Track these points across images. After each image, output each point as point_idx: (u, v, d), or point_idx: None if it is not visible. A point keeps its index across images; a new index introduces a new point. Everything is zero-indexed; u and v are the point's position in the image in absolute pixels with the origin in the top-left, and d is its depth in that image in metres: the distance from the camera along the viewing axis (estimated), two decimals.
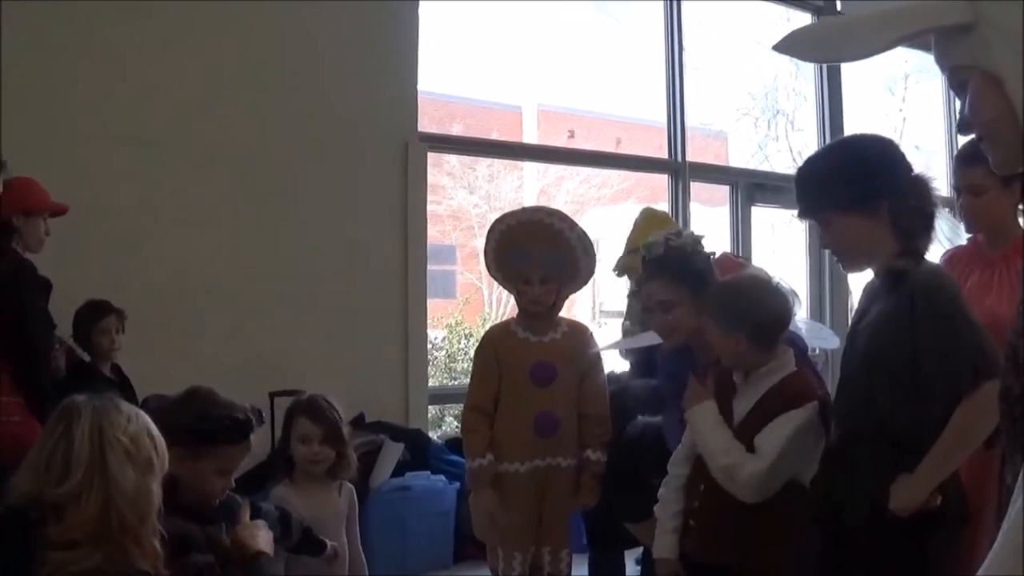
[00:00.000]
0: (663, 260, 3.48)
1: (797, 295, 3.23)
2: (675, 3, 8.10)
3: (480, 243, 4.04)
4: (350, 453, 3.80)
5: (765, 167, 11.26)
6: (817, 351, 5.11)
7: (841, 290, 8.01)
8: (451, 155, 13.06)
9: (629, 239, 5.12)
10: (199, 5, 5.78)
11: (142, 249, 5.55)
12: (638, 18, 9.75)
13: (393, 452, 5.84)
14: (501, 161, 16.13)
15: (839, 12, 1.49)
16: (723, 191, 8.66)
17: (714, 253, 3.66)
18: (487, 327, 7.10)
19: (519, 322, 3.96)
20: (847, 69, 9.03)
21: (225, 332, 5.72)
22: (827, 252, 3.19)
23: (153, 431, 2.33)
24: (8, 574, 2.19)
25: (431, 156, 6.85)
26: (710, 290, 3.26)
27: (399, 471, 5.82)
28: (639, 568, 4.63)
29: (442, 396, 8.06)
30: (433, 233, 7.45)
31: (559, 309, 3.97)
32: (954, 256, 3.66)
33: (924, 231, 2.83)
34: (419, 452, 6.05)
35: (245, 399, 3.15)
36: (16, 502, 2.22)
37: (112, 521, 2.17)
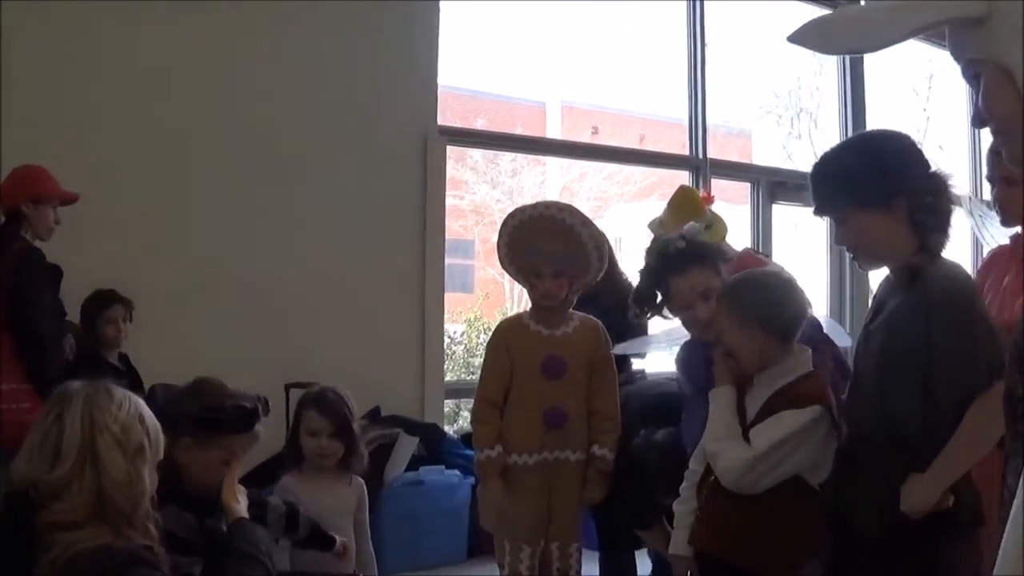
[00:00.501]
0: (693, 250, 3.54)
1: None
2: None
3: None
4: (360, 447, 3.80)
5: (788, 166, 11.18)
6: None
7: (861, 289, 7.96)
8: (474, 150, 13.05)
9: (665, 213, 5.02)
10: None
11: (159, 239, 5.56)
12: (663, 15, 9.71)
13: (408, 446, 5.84)
14: (524, 156, 16.14)
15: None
16: (745, 189, 8.63)
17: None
18: None
19: (531, 315, 3.97)
20: (870, 68, 8.99)
21: (241, 324, 5.72)
22: (844, 250, 3.16)
23: (146, 417, 2.33)
24: (13, 557, 2.19)
25: (454, 151, 6.85)
26: (727, 284, 3.26)
27: (413, 465, 5.82)
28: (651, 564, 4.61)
29: (459, 390, 8.04)
30: (456, 228, 7.48)
31: (571, 303, 3.98)
32: (996, 254, 3.65)
33: (940, 229, 2.80)
34: (434, 447, 6.05)
35: (260, 391, 3.16)
36: (15, 487, 2.24)
37: (107, 508, 2.19)
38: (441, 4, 6.68)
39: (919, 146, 2.91)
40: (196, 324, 5.56)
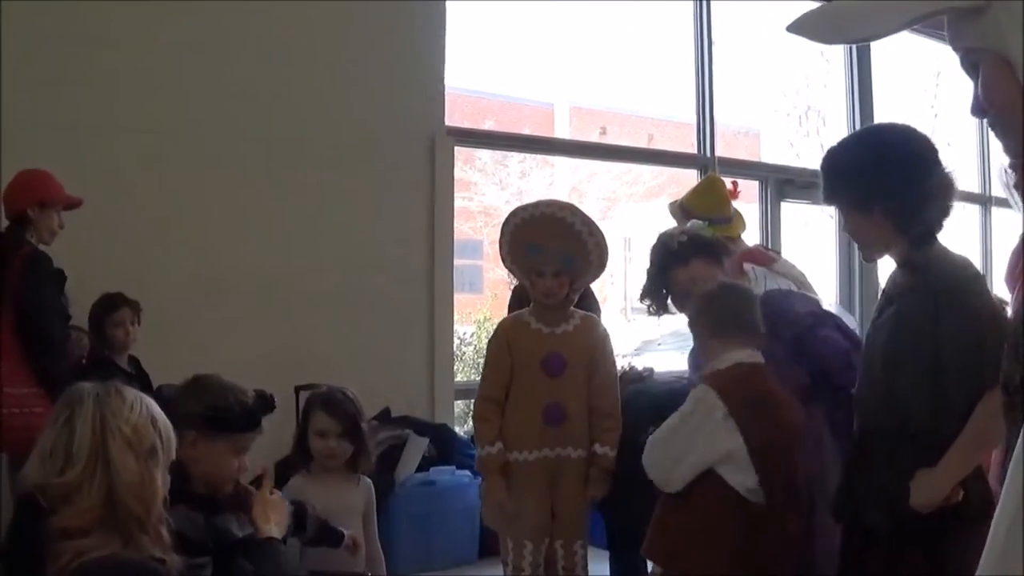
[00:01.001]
0: (696, 243, 3.65)
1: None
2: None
3: None
4: (368, 447, 3.81)
5: (796, 164, 11.18)
6: None
7: (870, 284, 7.95)
8: (483, 152, 13.05)
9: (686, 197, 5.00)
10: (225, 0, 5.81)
11: (167, 243, 5.58)
12: (670, 14, 9.71)
13: (418, 447, 5.84)
14: (533, 158, 16.15)
15: None
16: (753, 187, 8.62)
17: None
18: None
19: (532, 313, 3.98)
20: (878, 66, 8.98)
21: (250, 326, 5.73)
22: (852, 247, 3.26)
23: (158, 418, 2.30)
24: (24, 565, 2.19)
25: (463, 152, 6.85)
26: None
27: (424, 466, 5.82)
28: None
29: (469, 391, 8.01)
30: (465, 229, 7.49)
31: (572, 301, 4.00)
32: None
33: (924, 233, 2.82)
34: (444, 447, 6.06)
35: (270, 393, 3.15)
36: (26, 493, 2.22)
37: (118, 510, 2.16)
38: (448, 5, 6.68)
39: (913, 148, 2.90)
40: (205, 326, 5.57)
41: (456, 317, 6.89)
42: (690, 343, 3.73)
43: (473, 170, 16.11)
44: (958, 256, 2.87)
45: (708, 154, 7.97)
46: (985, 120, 1.46)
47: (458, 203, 6.80)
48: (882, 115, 8.85)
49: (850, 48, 8.81)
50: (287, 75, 6.02)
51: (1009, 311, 3.07)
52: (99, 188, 5.24)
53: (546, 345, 3.89)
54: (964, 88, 1.46)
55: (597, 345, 3.98)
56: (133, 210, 5.47)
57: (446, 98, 6.72)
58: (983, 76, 1.39)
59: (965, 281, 2.77)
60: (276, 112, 5.96)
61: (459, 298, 6.89)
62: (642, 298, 3.80)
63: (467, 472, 5.88)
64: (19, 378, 4.36)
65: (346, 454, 3.71)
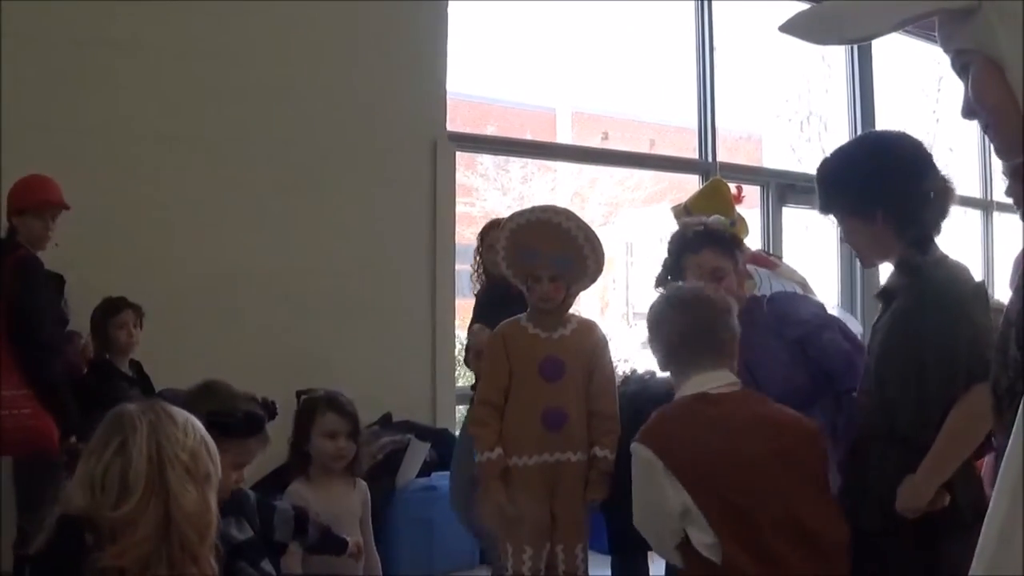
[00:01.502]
0: (711, 232, 3.61)
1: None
2: (705, 3, 8.09)
3: None
4: (364, 450, 3.83)
5: (797, 168, 11.18)
6: None
7: (872, 288, 7.92)
8: (484, 157, 13.05)
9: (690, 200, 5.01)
10: (228, 2, 5.82)
11: (169, 247, 5.58)
12: (671, 20, 9.72)
13: (420, 452, 5.84)
14: (535, 163, 16.13)
15: None
16: (755, 192, 8.62)
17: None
18: None
19: (530, 318, 3.99)
20: (879, 70, 8.99)
21: (252, 330, 5.73)
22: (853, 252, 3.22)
23: (207, 440, 2.24)
24: None
25: (464, 157, 6.85)
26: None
27: (425, 471, 5.82)
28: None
29: (470, 396, 8.03)
30: (466, 234, 7.45)
31: (569, 306, 4.01)
32: None
33: (922, 238, 2.86)
34: (446, 452, 6.04)
35: (271, 397, 3.16)
36: (69, 521, 2.11)
37: (173, 542, 2.08)
38: (450, 10, 6.69)
39: (910, 153, 2.93)
40: (207, 331, 5.57)
41: (458, 322, 6.89)
42: None
43: (475, 175, 16.11)
44: (953, 261, 2.90)
45: (710, 159, 7.98)
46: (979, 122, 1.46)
47: (460, 208, 6.80)
48: (884, 120, 8.85)
49: (851, 53, 8.82)
50: (289, 80, 6.03)
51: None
52: (101, 193, 5.26)
53: (543, 349, 3.90)
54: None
55: (595, 349, 3.99)
56: (135, 215, 5.47)
57: (448, 103, 6.72)
58: (973, 78, 1.38)
59: (952, 286, 2.80)
60: (278, 117, 5.97)
61: (460, 303, 6.87)
62: (656, 286, 3.80)
63: None
64: (9, 380, 4.37)
65: (352, 455, 3.72)
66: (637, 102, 17.44)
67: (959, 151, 10.11)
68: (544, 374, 3.86)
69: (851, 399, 3.14)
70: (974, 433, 2.62)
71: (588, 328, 4.05)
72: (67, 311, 4.78)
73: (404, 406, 6.08)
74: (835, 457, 3.37)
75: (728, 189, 4.92)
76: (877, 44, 8.28)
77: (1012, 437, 1.25)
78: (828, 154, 3.08)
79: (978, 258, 9.74)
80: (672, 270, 3.70)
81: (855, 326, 4.19)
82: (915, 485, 2.65)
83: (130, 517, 2.05)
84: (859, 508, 2.78)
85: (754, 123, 14.83)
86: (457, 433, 5.60)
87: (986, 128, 1.42)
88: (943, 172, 2.92)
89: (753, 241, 7.67)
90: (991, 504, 1.26)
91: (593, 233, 3.92)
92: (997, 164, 3.57)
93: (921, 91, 10.73)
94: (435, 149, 6.52)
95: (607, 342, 4.08)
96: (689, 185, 7.88)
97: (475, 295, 5.13)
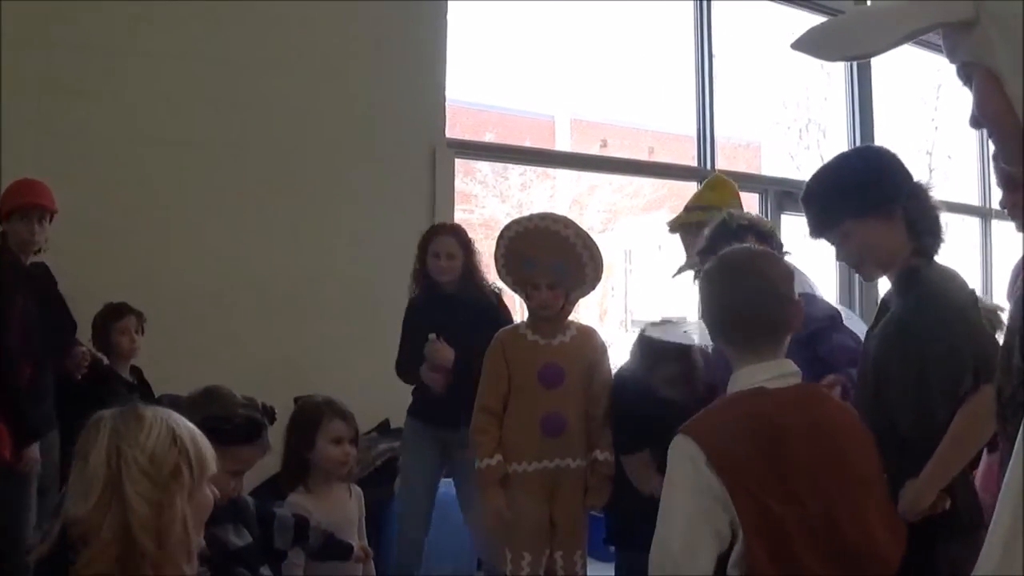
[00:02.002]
0: (754, 225, 3.54)
1: None
2: (704, 11, 8.10)
3: None
4: (360, 455, 3.84)
5: (796, 176, 11.22)
6: None
7: (870, 298, 7.95)
8: (483, 164, 13.07)
9: (690, 199, 4.96)
10: (229, 7, 5.82)
11: (168, 252, 5.58)
12: (670, 27, 9.74)
13: None
14: (534, 170, 16.17)
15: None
16: (753, 199, 8.63)
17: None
18: None
19: (529, 325, 4.01)
20: (878, 78, 9.00)
21: (251, 336, 5.73)
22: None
23: (183, 435, 2.14)
24: None
25: (464, 165, 6.85)
26: None
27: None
28: None
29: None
30: None
31: (568, 313, 4.03)
32: None
33: (933, 232, 2.89)
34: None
35: (269, 403, 3.16)
36: (63, 529, 2.08)
37: (134, 549, 2.01)
38: (449, 18, 6.70)
39: (900, 158, 2.98)
40: (207, 337, 5.57)
41: None
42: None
43: (474, 182, 16.14)
44: (947, 267, 2.93)
45: (708, 166, 7.98)
46: (985, 131, 1.48)
47: (458, 215, 6.81)
48: (882, 127, 8.86)
49: (850, 61, 8.83)
50: (289, 87, 6.03)
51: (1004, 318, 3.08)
52: (100, 198, 5.27)
53: (542, 356, 3.92)
54: (964, 101, 1.47)
55: (595, 355, 4.00)
56: (134, 220, 5.47)
57: (447, 110, 6.73)
58: (975, 89, 1.39)
59: (949, 290, 2.82)
60: (277, 124, 5.97)
61: None
62: (677, 274, 3.76)
63: None
64: None
65: (355, 460, 3.73)
66: (636, 109, 17.49)
67: (958, 159, 10.14)
68: (543, 381, 3.88)
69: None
70: (978, 435, 2.62)
71: (587, 335, 4.07)
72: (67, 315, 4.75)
73: (402, 413, 6.06)
74: None
75: (725, 179, 4.93)
76: None
77: (1017, 444, 1.25)
78: (815, 175, 3.05)
79: (976, 265, 9.74)
80: (706, 260, 3.63)
81: (858, 325, 4.17)
82: (918, 488, 2.64)
83: (91, 520, 2.00)
84: None
85: (753, 131, 14.86)
86: None
87: (991, 137, 1.43)
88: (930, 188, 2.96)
89: None
90: (995, 514, 1.26)
91: (592, 241, 3.93)
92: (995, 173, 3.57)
93: (920, 99, 10.75)
94: (434, 156, 6.52)
95: (606, 348, 4.09)
96: (688, 193, 7.88)
97: (410, 300, 5.10)
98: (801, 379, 2.44)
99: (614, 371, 4.09)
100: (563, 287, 3.91)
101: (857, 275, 3.59)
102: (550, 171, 16.56)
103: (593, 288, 4.05)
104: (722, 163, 8.17)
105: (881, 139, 8.75)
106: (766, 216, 8.34)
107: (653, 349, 3.90)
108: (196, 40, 5.75)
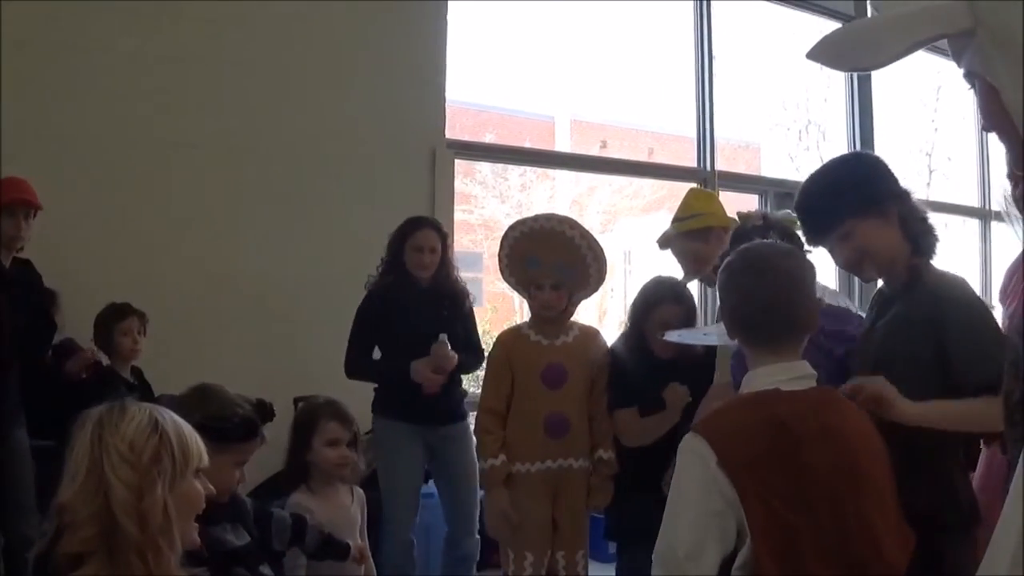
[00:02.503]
0: (772, 225, 3.43)
1: None
2: (704, 12, 8.10)
3: None
4: (361, 457, 3.84)
5: (796, 177, 11.22)
6: None
7: (868, 301, 7.95)
8: (483, 165, 13.07)
9: (676, 211, 4.95)
10: (227, 7, 5.82)
11: (168, 253, 5.58)
12: (670, 29, 9.76)
13: None
14: (534, 171, 16.17)
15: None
16: (753, 200, 8.63)
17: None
18: None
19: (531, 325, 4.01)
20: (878, 80, 9.00)
21: (250, 337, 5.73)
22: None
23: (166, 426, 2.17)
24: None
25: (463, 165, 6.85)
26: None
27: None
28: None
29: (469, 404, 8.02)
30: (465, 242, 7.48)
31: (571, 314, 4.04)
32: None
33: (928, 232, 2.91)
34: None
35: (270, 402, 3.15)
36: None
37: (119, 534, 2.05)
38: (449, 18, 6.70)
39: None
40: (206, 337, 5.57)
41: None
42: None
43: (473, 183, 16.14)
44: (941, 269, 2.93)
45: (708, 168, 7.98)
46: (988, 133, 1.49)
47: (458, 216, 6.81)
48: (882, 129, 8.86)
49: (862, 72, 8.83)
50: (289, 88, 6.03)
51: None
52: (99, 199, 5.27)
53: (545, 357, 3.93)
54: (964, 103, 1.48)
55: (597, 356, 4.00)
56: (133, 222, 5.48)
57: (447, 111, 6.72)
58: (978, 97, 1.41)
59: (970, 295, 2.83)
60: (277, 124, 5.97)
61: None
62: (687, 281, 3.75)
63: None
64: None
65: (354, 463, 3.72)
66: (636, 110, 17.49)
67: (957, 161, 10.14)
68: (546, 381, 3.89)
69: None
70: (983, 426, 2.63)
71: (590, 335, 4.08)
72: (53, 315, 4.72)
73: None
74: None
75: (703, 188, 4.94)
76: None
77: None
78: (808, 180, 3.04)
79: (976, 267, 9.74)
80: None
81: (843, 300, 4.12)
82: (906, 407, 2.57)
83: (77, 504, 2.05)
84: None
85: (753, 132, 14.87)
86: None
87: (999, 139, 1.44)
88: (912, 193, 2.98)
89: None
90: (999, 525, 1.27)
91: (596, 243, 3.93)
92: (995, 173, 3.60)
93: (920, 101, 10.76)
94: (434, 156, 6.51)
95: (609, 349, 4.09)
96: None
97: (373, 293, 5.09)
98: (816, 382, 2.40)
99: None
100: (567, 288, 3.92)
101: (856, 277, 3.56)
102: (550, 172, 16.56)
103: (596, 290, 4.06)
104: (722, 164, 8.16)
105: (881, 141, 8.77)
106: None
107: (647, 292, 3.95)
108: (196, 42, 5.75)
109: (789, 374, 2.34)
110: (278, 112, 5.98)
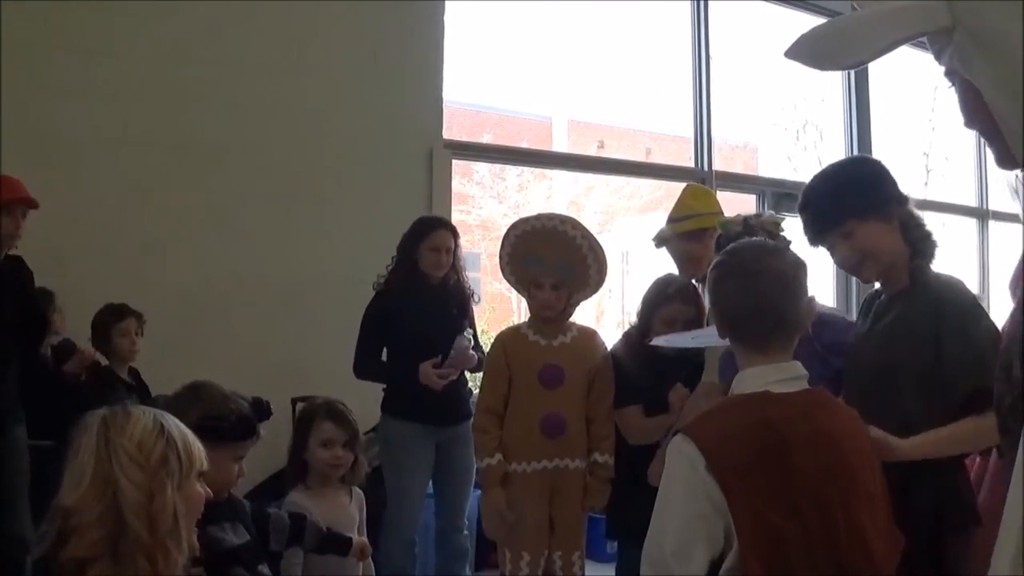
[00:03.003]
0: (748, 233, 3.42)
1: None
2: (702, 13, 8.10)
3: None
4: (363, 459, 3.83)
5: (793, 177, 11.22)
6: None
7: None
8: (481, 165, 13.07)
9: (672, 211, 4.94)
10: (224, 8, 5.83)
11: (166, 254, 5.59)
12: (667, 29, 9.76)
13: None
14: (531, 171, 16.17)
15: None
16: (751, 201, 8.64)
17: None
18: None
19: (530, 325, 4.01)
20: (875, 79, 9.01)
21: (248, 337, 5.74)
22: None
23: (170, 429, 2.18)
24: None
25: (460, 165, 6.85)
26: None
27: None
28: None
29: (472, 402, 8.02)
30: (462, 242, 7.46)
31: (570, 314, 4.03)
32: None
33: (927, 236, 2.93)
34: None
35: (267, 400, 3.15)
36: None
37: (127, 536, 2.04)
38: (447, 19, 6.70)
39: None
40: (203, 338, 5.58)
41: None
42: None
43: (471, 183, 16.14)
44: (944, 273, 2.95)
45: (706, 168, 7.99)
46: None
47: (456, 216, 6.80)
48: (879, 129, 8.87)
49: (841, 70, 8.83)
50: (286, 89, 6.04)
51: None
52: (97, 200, 5.27)
53: (543, 357, 3.92)
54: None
55: (596, 356, 3.99)
56: (131, 222, 5.48)
57: (444, 111, 6.73)
58: (958, 95, 1.41)
59: (969, 300, 2.82)
60: (275, 125, 5.98)
61: None
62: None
63: None
64: None
65: (348, 464, 3.72)
66: (633, 111, 17.50)
67: (955, 160, 10.14)
68: (543, 381, 3.88)
69: None
70: (978, 445, 2.63)
71: (588, 336, 4.07)
72: (47, 313, 4.71)
73: None
74: None
75: (699, 185, 4.93)
76: None
77: (1020, 461, 1.26)
78: (812, 181, 3.05)
79: (974, 267, 9.75)
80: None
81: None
82: (899, 445, 2.55)
83: (82, 508, 2.03)
84: None
85: (750, 132, 14.87)
86: None
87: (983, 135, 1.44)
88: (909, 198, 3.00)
89: None
90: (1001, 533, 1.27)
91: (597, 243, 3.93)
92: (992, 173, 3.61)
93: (917, 100, 10.75)
94: (431, 157, 6.52)
95: (607, 350, 4.09)
96: None
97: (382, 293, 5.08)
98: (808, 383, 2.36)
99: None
100: (567, 288, 3.91)
101: (855, 279, 3.57)
102: (547, 172, 16.57)
103: (596, 291, 4.05)
104: (719, 164, 8.17)
105: (878, 140, 8.78)
106: None
107: (656, 288, 3.95)
108: (194, 43, 5.76)
109: (780, 375, 2.30)
110: (275, 112, 5.99)
